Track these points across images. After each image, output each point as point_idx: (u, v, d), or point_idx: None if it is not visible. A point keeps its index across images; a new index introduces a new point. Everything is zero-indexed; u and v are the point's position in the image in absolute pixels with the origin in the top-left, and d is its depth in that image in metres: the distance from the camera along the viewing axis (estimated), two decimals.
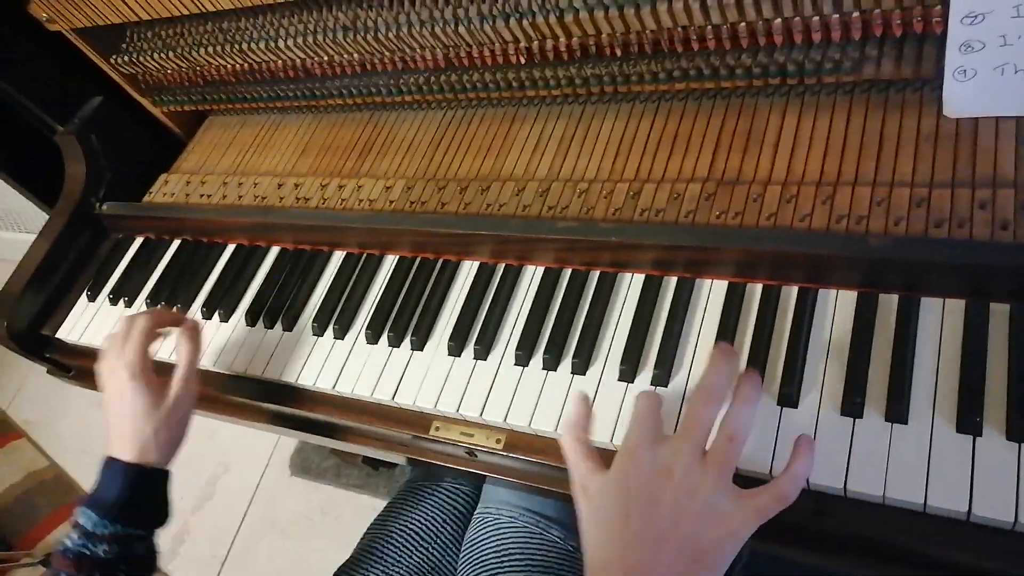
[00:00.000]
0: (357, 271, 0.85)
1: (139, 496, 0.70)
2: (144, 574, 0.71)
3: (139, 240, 1.04)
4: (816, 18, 0.63)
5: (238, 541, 1.77)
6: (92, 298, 1.00)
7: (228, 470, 1.87)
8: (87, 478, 2.00)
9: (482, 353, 0.73)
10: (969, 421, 0.54)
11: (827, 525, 0.57)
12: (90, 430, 2.13)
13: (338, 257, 0.88)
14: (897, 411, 0.56)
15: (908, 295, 0.60)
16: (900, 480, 0.54)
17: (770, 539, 0.57)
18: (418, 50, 0.82)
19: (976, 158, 0.64)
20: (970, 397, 0.54)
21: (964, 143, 0.65)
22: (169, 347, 0.86)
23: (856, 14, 0.62)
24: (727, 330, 0.65)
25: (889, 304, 0.61)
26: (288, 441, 1.83)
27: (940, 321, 0.59)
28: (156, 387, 0.74)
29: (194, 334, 0.78)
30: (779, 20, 0.64)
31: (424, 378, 0.74)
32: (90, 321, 0.99)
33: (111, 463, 0.71)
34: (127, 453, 0.71)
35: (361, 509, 1.71)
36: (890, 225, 0.63)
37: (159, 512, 0.73)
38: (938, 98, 0.64)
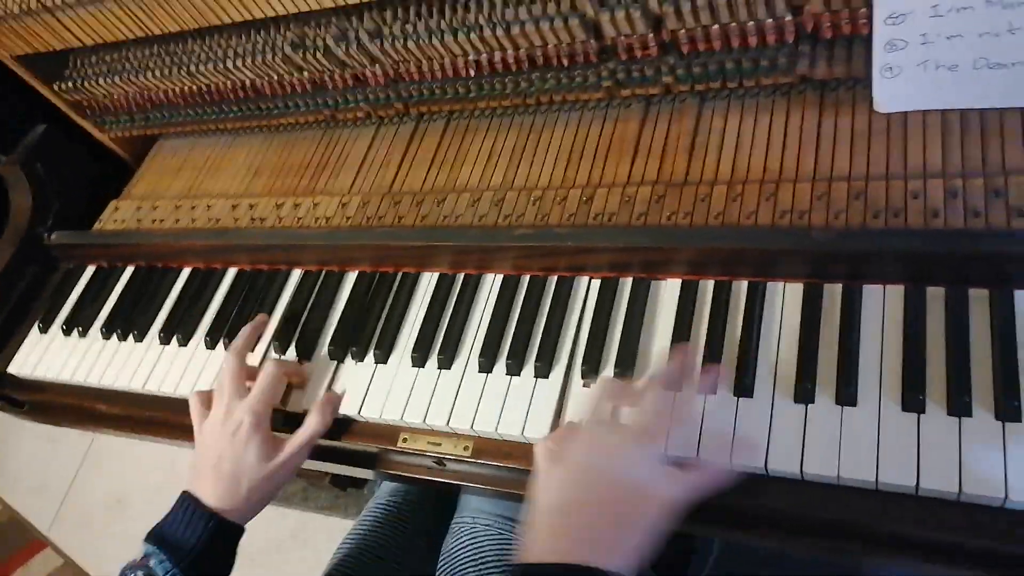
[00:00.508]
0: (317, 288, 0.85)
1: (215, 550, 0.67)
2: None
3: (91, 269, 1.02)
4: (751, 23, 0.66)
5: None
6: (44, 330, 0.98)
7: None
8: (41, 519, 1.92)
9: (446, 363, 0.74)
10: (913, 399, 0.56)
11: (782, 506, 0.59)
12: (42, 468, 2.07)
13: (297, 275, 0.88)
14: (847, 394, 0.58)
15: (851, 284, 0.63)
16: (853, 460, 0.56)
17: (725, 526, 0.60)
18: (368, 65, 0.83)
19: (907, 151, 0.68)
20: (913, 377, 0.57)
21: (896, 137, 0.69)
22: None
23: (789, 18, 0.64)
24: (683, 327, 0.67)
25: (834, 293, 0.64)
26: None
27: (882, 306, 0.62)
28: (271, 444, 0.71)
29: (329, 407, 0.74)
30: (716, 26, 0.66)
31: (390, 390, 0.74)
32: (43, 354, 0.96)
33: (195, 504, 0.68)
34: (213, 498, 0.68)
35: (331, 531, 1.69)
36: (831, 218, 0.66)
37: (227, 567, 0.70)
38: (870, 95, 0.67)
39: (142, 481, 1.85)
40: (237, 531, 0.70)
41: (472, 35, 0.74)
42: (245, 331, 0.79)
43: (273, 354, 0.82)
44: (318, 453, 0.79)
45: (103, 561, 1.83)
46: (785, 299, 0.65)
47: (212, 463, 0.70)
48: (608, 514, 0.53)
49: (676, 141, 0.78)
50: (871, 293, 0.63)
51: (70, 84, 0.98)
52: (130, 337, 0.92)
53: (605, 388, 0.61)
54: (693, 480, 0.55)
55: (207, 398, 0.75)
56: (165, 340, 0.89)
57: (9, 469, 2.11)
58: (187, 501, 0.69)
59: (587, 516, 0.53)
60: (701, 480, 0.55)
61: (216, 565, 0.69)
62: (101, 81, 0.96)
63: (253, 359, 0.81)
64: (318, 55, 0.82)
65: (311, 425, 0.72)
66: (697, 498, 0.54)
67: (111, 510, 1.90)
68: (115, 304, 0.96)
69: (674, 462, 0.56)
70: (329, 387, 0.77)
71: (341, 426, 0.76)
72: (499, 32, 0.73)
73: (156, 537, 0.67)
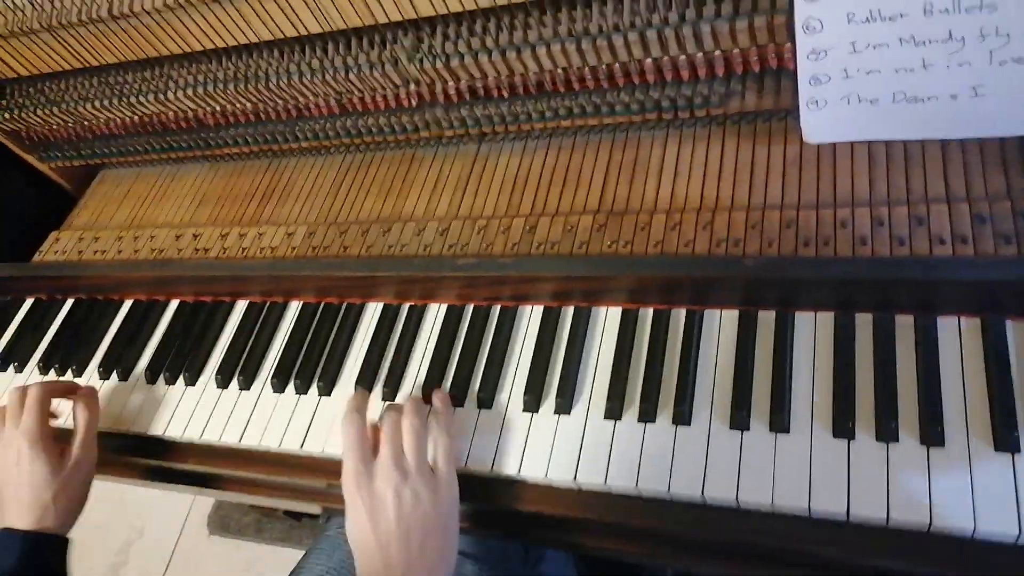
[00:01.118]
0: (260, 320, 0.84)
1: (35, 565, 0.67)
2: None
3: (29, 301, 1.00)
4: (682, 57, 0.67)
5: None
6: None
7: (142, 535, 1.78)
8: None
9: (389, 395, 0.73)
10: (843, 427, 0.57)
11: (718, 535, 0.59)
12: None
13: (241, 307, 0.87)
14: (780, 422, 0.59)
15: (783, 311, 0.65)
16: (786, 488, 0.57)
17: (671, 555, 0.60)
18: (311, 97, 0.83)
19: (836, 180, 0.70)
20: (843, 404, 0.58)
21: (825, 166, 0.71)
22: (66, 412, 0.83)
23: (717, 52, 0.66)
24: (623, 355, 0.67)
25: (768, 320, 0.65)
26: (205, 499, 1.76)
27: (813, 334, 0.63)
28: (55, 454, 0.72)
29: (91, 399, 0.77)
30: (649, 60, 0.68)
31: (333, 423, 0.74)
32: None
33: (4, 533, 0.68)
34: (24, 521, 0.69)
35: (285, 563, 1.62)
36: (764, 246, 0.67)
37: None
38: (799, 126, 0.69)
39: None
40: (57, 541, 0.70)
41: (412, 66, 0.74)
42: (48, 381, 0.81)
43: (214, 387, 0.81)
44: (260, 487, 0.78)
45: None
46: (722, 326, 0.67)
47: (11, 494, 0.71)
48: (414, 538, 0.59)
49: (617, 171, 0.79)
50: (803, 320, 0.64)
51: (7, 114, 0.96)
52: (69, 372, 0.89)
53: (357, 429, 0.64)
54: (444, 454, 0.63)
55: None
56: (105, 375, 0.87)
57: None
58: (1, 533, 0.69)
59: (398, 547, 0.58)
60: (446, 446, 0.63)
61: None
62: (39, 111, 0.94)
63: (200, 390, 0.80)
64: (259, 86, 0.82)
65: (81, 419, 0.75)
66: (455, 458, 0.64)
67: None
68: (54, 337, 0.94)
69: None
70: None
71: (284, 461, 0.75)
72: (438, 64, 0.73)
73: None
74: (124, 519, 1.78)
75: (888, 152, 0.69)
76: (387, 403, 0.72)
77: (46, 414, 0.75)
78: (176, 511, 1.78)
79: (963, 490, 0.53)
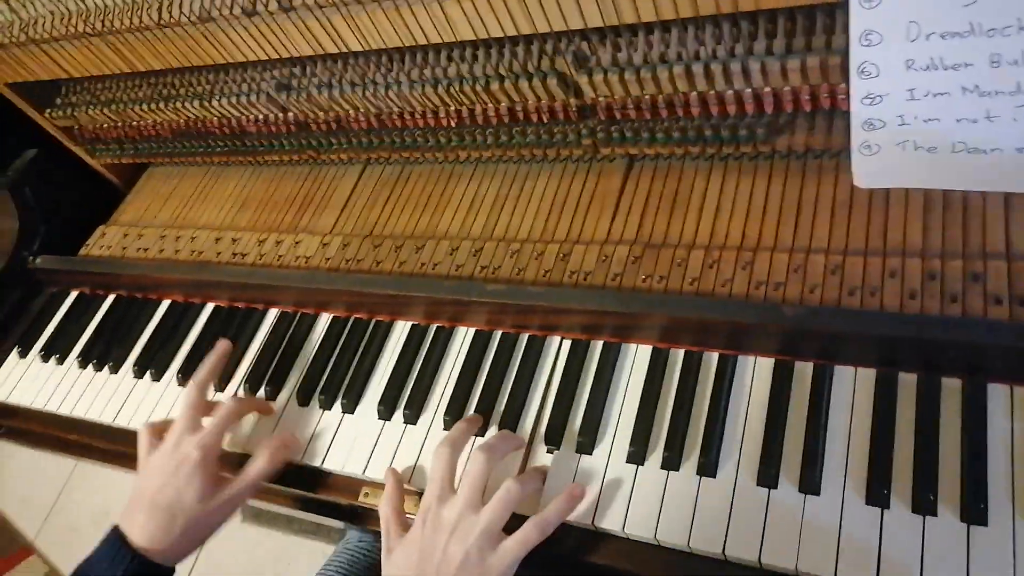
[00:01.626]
0: (291, 331, 0.84)
1: None
2: None
3: (73, 294, 1.02)
4: (729, 92, 0.64)
5: None
6: (23, 354, 0.98)
7: None
8: (29, 526, 1.93)
9: (411, 418, 0.72)
10: (878, 494, 0.54)
11: None
12: (32, 478, 2.07)
13: (272, 315, 0.87)
14: (810, 482, 0.57)
15: (822, 363, 0.62)
16: (812, 553, 0.54)
17: None
18: (350, 111, 0.82)
19: (887, 227, 0.66)
20: (879, 469, 0.55)
21: (877, 211, 0.67)
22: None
23: (767, 89, 0.63)
24: (650, 396, 0.65)
25: (804, 372, 0.62)
26: None
27: (852, 390, 0.60)
28: (214, 482, 0.68)
29: (280, 450, 0.71)
30: (694, 93, 0.65)
31: (354, 442, 0.73)
32: (20, 378, 0.96)
33: (120, 541, 0.65)
34: (143, 533, 0.65)
35: (313, 556, 1.67)
36: (806, 292, 0.64)
37: None
38: (851, 166, 0.65)
39: (128, 496, 1.84)
40: (163, 572, 0.66)
41: (452, 88, 0.73)
42: (208, 360, 0.77)
43: (242, 394, 0.81)
44: (282, 497, 0.78)
45: None
46: (755, 374, 0.64)
47: (150, 496, 0.66)
48: None
49: (657, 201, 0.77)
50: (842, 375, 0.61)
51: (60, 112, 0.98)
52: (105, 368, 0.91)
53: (445, 464, 0.62)
54: (520, 543, 0.58)
55: (159, 431, 0.73)
56: (139, 374, 0.88)
57: (2, 478, 2.11)
58: (114, 537, 0.66)
59: None
60: (527, 541, 0.58)
61: None
62: (90, 111, 0.96)
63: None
64: (300, 97, 0.81)
65: (257, 467, 0.70)
66: (529, 549, 0.58)
67: (97, 522, 1.90)
68: (93, 333, 0.96)
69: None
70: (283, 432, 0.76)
71: (303, 475, 0.75)
72: (478, 87, 0.72)
73: (79, 573, 0.64)
74: None
75: (946, 201, 0.65)
76: (496, 435, 0.67)
77: (227, 432, 0.71)
78: None
79: (1006, 574, 0.50)
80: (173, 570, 0.67)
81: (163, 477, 0.67)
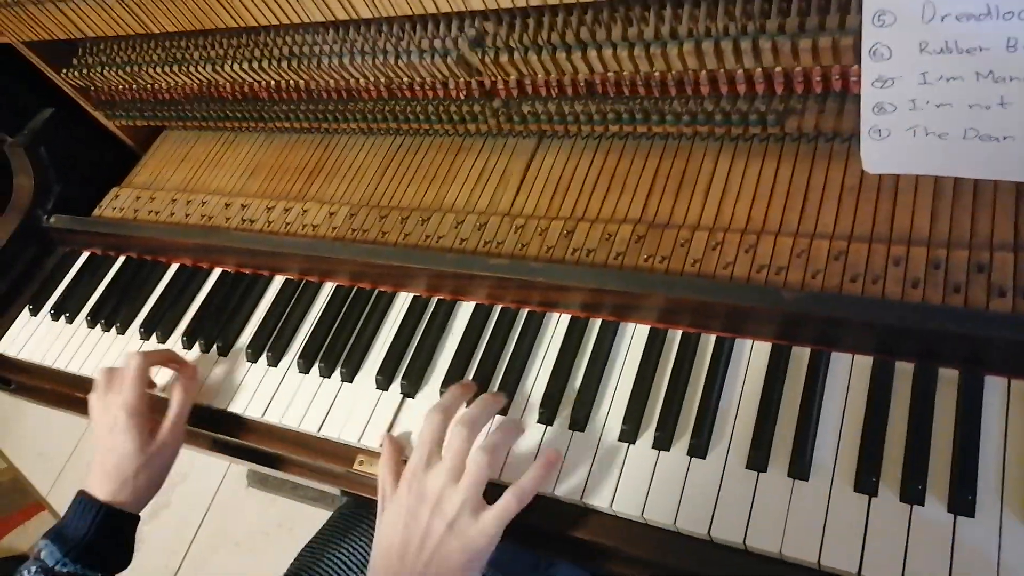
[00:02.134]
0: (295, 298, 0.85)
1: (105, 539, 0.70)
2: None
3: (85, 255, 1.03)
4: (740, 71, 0.63)
5: (192, 552, 1.76)
6: (34, 312, 1.00)
7: (185, 480, 1.85)
8: (43, 481, 1.97)
9: (409, 389, 0.73)
10: (866, 481, 0.54)
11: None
12: (47, 433, 2.11)
13: (278, 282, 0.88)
14: (799, 467, 0.56)
15: (819, 349, 0.61)
16: (797, 537, 0.54)
17: None
18: (361, 80, 0.82)
19: (894, 214, 0.65)
20: (869, 457, 0.55)
21: (885, 197, 0.66)
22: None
23: (778, 69, 0.62)
24: (645, 376, 0.65)
25: (801, 357, 0.62)
26: None
27: (848, 378, 0.60)
28: (146, 430, 0.74)
29: (190, 381, 0.79)
30: (704, 71, 0.64)
31: (352, 411, 0.74)
32: (31, 336, 0.98)
33: (85, 499, 0.71)
34: (103, 491, 0.71)
35: (316, 522, 1.67)
36: (808, 278, 0.64)
37: (121, 557, 0.72)
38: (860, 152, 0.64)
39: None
40: (129, 518, 0.72)
41: (462, 59, 0.73)
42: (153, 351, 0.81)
43: (244, 360, 0.82)
44: (274, 463, 0.79)
45: None
46: (752, 358, 0.64)
47: (99, 460, 0.73)
48: (435, 564, 0.57)
49: (664, 181, 0.76)
50: (839, 361, 0.60)
51: (76, 73, 0.99)
52: (113, 329, 0.92)
53: (435, 429, 0.63)
54: (501, 512, 0.58)
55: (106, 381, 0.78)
56: (145, 335, 0.90)
57: (16, 433, 2.16)
58: (79, 497, 0.72)
59: (414, 570, 0.57)
60: (507, 509, 0.59)
61: (109, 552, 0.70)
62: (106, 72, 0.97)
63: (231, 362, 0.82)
64: (311, 65, 0.81)
65: (177, 399, 0.76)
66: (510, 518, 0.59)
67: None
68: (103, 293, 0.97)
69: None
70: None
71: (300, 441, 0.76)
72: (487, 59, 0.71)
73: (50, 532, 0.70)
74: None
75: (956, 189, 0.64)
76: (479, 400, 0.66)
77: (145, 386, 0.76)
78: (218, 461, 1.84)
79: (989, 567, 0.50)
80: (138, 517, 0.73)
81: (103, 441, 0.74)
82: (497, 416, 0.68)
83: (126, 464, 0.72)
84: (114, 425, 0.73)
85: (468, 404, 0.67)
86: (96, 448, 0.74)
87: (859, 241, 0.64)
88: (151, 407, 0.75)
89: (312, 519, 1.74)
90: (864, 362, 0.60)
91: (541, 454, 0.63)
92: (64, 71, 1.01)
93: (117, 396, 0.74)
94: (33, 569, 0.67)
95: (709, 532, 0.56)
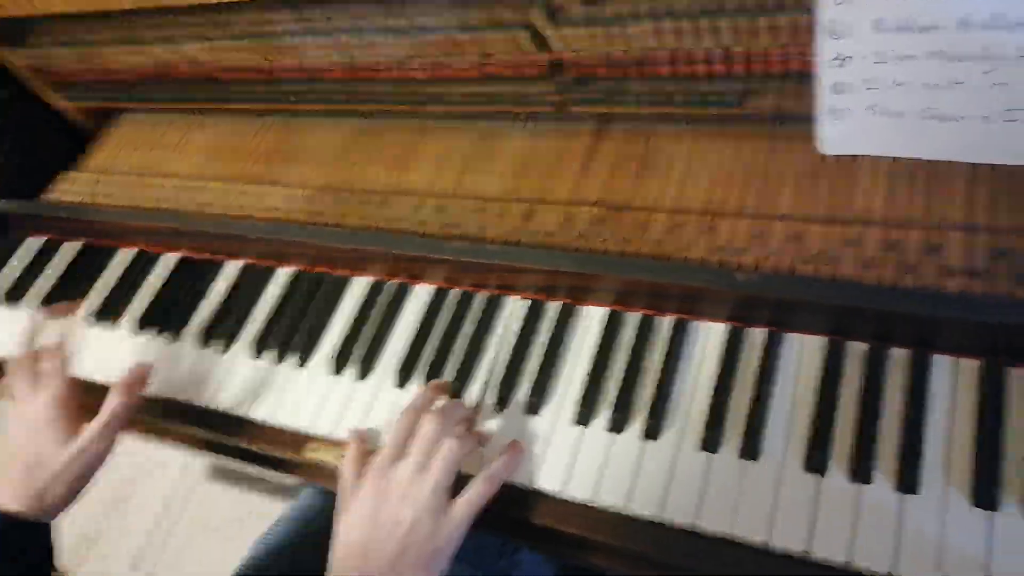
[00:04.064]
0: (251, 282, 0.83)
1: (9, 551, 0.62)
2: None
3: (37, 240, 1.00)
4: (699, 51, 0.63)
5: (150, 545, 1.72)
6: None
7: (143, 472, 1.82)
8: None
9: (363, 373, 0.72)
10: (816, 460, 0.54)
11: (684, 560, 0.56)
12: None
13: (234, 267, 0.86)
14: (751, 448, 0.56)
15: (773, 330, 0.61)
16: (748, 518, 0.54)
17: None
18: (320, 60, 0.81)
19: (851, 195, 0.65)
20: (820, 437, 0.55)
21: (842, 179, 0.66)
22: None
23: (737, 49, 0.62)
24: (601, 359, 0.65)
25: (755, 339, 0.61)
26: None
27: (800, 358, 0.59)
28: (70, 425, 0.66)
29: (134, 383, 0.70)
30: (664, 51, 0.64)
31: (304, 397, 0.73)
32: None
33: None
34: (7, 497, 0.63)
35: (276, 515, 1.67)
36: (763, 259, 0.63)
37: (34, 567, 0.64)
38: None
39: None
40: (35, 529, 0.64)
41: (420, 39, 0.72)
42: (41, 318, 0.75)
43: (197, 346, 0.80)
44: (226, 450, 0.78)
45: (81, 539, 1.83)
46: (707, 340, 0.63)
47: (5, 459, 0.65)
48: (399, 562, 0.55)
49: (625, 163, 0.76)
50: (792, 342, 0.60)
51: (28, 52, 0.96)
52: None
53: (404, 428, 0.61)
54: (468, 505, 0.58)
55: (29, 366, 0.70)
56: (97, 321, 0.87)
57: None
58: None
59: (380, 562, 0.55)
60: (473, 502, 0.58)
61: (17, 568, 0.63)
62: (59, 50, 0.94)
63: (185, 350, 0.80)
64: (269, 44, 0.80)
65: (109, 405, 0.67)
66: (479, 508, 0.58)
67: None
68: (56, 280, 0.95)
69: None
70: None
71: (250, 428, 0.74)
72: (447, 38, 0.70)
73: None
74: (129, 455, 1.82)
75: (911, 171, 0.64)
76: (448, 401, 0.66)
77: (74, 380, 0.69)
78: (178, 454, 1.81)
79: (932, 542, 0.50)
80: (48, 527, 0.66)
81: (16, 440, 0.66)
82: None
83: (39, 471, 0.63)
84: (33, 420, 0.65)
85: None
86: (3, 447, 0.66)
87: (815, 223, 0.64)
88: (81, 403, 0.68)
89: (273, 511, 1.71)
90: (817, 343, 0.59)
91: (509, 443, 0.62)
92: (15, 50, 0.98)
93: (40, 386, 0.67)
94: None
95: (662, 514, 0.56)
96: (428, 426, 0.60)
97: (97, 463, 0.67)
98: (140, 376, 0.72)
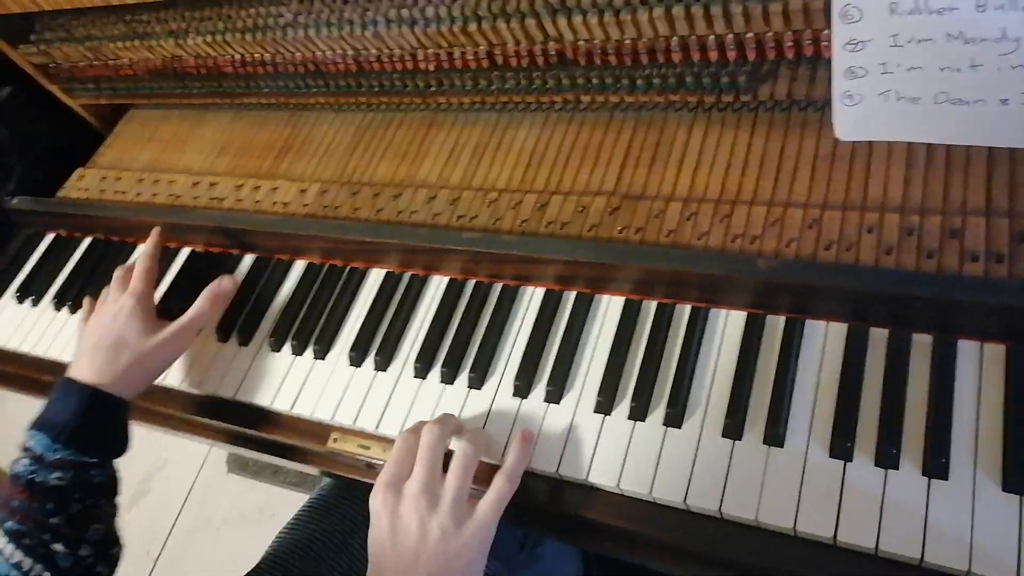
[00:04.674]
0: (266, 276, 0.83)
1: (94, 421, 0.66)
2: (102, 503, 0.67)
3: (50, 236, 1.01)
4: (711, 37, 0.62)
5: (172, 538, 1.74)
6: None
7: (165, 466, 1.84)
8: None
9: (382, 365, 0.72)
10: (841, 447, 0.54)
11: (706, 547, 0.57)
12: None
13: (248, 261, 0.86)
14: (775, 435, 0.56)
15: (794, 317, 0.61)
16: (773, 504, 0.54)
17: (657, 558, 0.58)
18: (328, 52, 0.80)
19: (868, 181, 0.65)
20: (844, 423, 0.55)
21: (858, 165, 0.66)
22: None
23: (749, 35, 0.61)
24: (620, 347, 0.65)
25: (776, 326, 0.61)
26: None
27: (823, 345, 0.59)
28: (153, 321, 0.72)
29: (219, 297, 0.77)
30: (676, 38, 0.63)
31: (324, 389, 0.73)
32: None
33: (67, 383, 0.67)
34: (89, 372, 0.67)
35: (297, 507, 1.68)
36: (782, 246, 0.63)
37: (117, 440, 0.68)
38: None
39: None
40: (118, 402, 0.68)
41: (429, 29, 0.71)
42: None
43: (215, 340, 0.80)
44: (248, 441, 0.78)
45: None
46: (727, 327, 0.63)
47: (92, 343, 0.70)
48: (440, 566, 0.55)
49: (637, 153, 0.75)
50: (813, 329, 0.60)
51: (34, 48, 0.96)
52: (80, 311, 0.90)
53: (408, 446, 0.60)
54: (489, 509, 0.57)
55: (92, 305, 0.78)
56: None
57: None
58: (64, 382, 0.67)
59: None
60: (495, 506, 0.58)
61: (101, 437, 0.67)
62: (64, 47, 0.94)
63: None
64: (276, 36, 0.79)
65: (196, 308, 0.74)
66: (502, 508, 0.58)
67: None
68: (69, 275, 0.95)
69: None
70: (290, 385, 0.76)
71: (273, 420, 0.75)
72: (455, 28, 0.70)
73: (35, 422, 0.65)
74: (150, 449, 1.84)
75: (928, 156, 0.63)
76: (443, 414, 0.65)
77: (155, 282, 0.76)
78: (199, 447, 1.83)
79: (962, 528, 0.50)
80: (127, 403, 0.69)
81: (102, 327, 0.71)
82: None
83: (123, 346, 0.69)
84: (118, 312, 0.71)
85: None
86: (86, 335, 0.71)
87: (832, 209, 0.64)
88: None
89: (293, 503, 1.73)
90: (839, 329, 0.59)
91: (516, 434, 0.62)
92: (21, 47, 0.97)
93: (120, 292, 0.74)
94: (26, 461, 0.63)
95: (685, 500, 0.56)
96: (433, 435, 0.59)
97: (172, 358, 0.74)
98: (227, 289, 0.78)
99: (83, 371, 0.68)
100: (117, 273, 0.79)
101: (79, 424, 0.64)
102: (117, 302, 0.73)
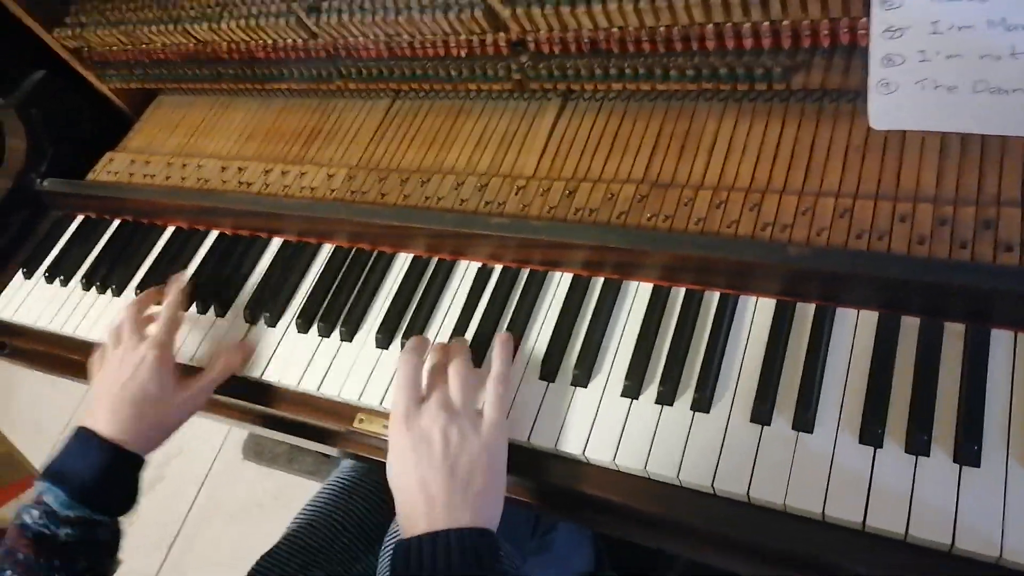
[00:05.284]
0: (293, 259, 0.84)
1: (114, 479, 0.65)
2: (106, 560, 0.66)
3: (79, 218, 1.02)
4: (746, 24, 0.63)
5: (187, 525, 1.76)
6: (28, 275, 0.99)
7: (180, 452, 1.85)
8: (38, 455, 1.95)
9: None
10: (871, 433, 0.54)
11: (732, 532, 0.57)
12: (42, 408, 2.10)
13: (276, 244, 0.87)
14: (804, 420, 0.56)
15: (824, 305, 0.61)
16: (801, 489, 0.54)
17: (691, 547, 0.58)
18: (360, 37, 0.81)
19: (901, 171, 0.65)
20: (874, 409, 0.55)
21: (891, 155, 0.66)
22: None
23: (785, 22, 0.61)
24: (648, 332, 0.65)
25: (806, 313, 0.61)
26: None
27: (853, 332, 0.59)
28: (175, 378, 0.70)
29: (239, 353, 0.76)
30: (711, 25, 0.64)
31: (351, 370, 0.73)
32: (25, 299, 0.97)
33: (87, 436, 0.65)
34: (110, 427, 0.65)
35: (311, 494, 1.69)
36: (813, 235, 0.63)
37: (130, 499, 0.68)
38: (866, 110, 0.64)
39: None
40: (135, 460, 0.67)
41: (463, 14, 0.72)
42: (150, 290, 0.81)
43: (242, 321, 0.81)
44: (274, 422, 0.79)
45: None
46: (756, 314, 0.63)
47: (113, 392, 0.68)
48: (454, 479, 0.57)
49: (667, 141, 0.76)
50: (844, 317, 0.60)
51: (69, 32, 0.97)
52: (108, 291, 0.91)
53: (413, 368, 0.63)
54: (495, 402, 0.61)
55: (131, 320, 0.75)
56: None
57: (12, 407, 2.15)
58: (82, 434, 0.66)
59: (439, 486, 0.56)
60: (499, 396, 0.61)
61: (115, 495, 0.66)
62: (98, 31, 0.95)
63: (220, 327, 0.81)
64: (308, 22, 0.80)
65: (219, 366, 0.74)
66: (506, 406, 0.62)
67: None
68: (98, 256, 0.96)
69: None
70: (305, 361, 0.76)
71: (299, 400, 0.75)
72: (477, 13, 0.70)
73: (50, 473, 0.64)
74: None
75: (963, 146, 0.63)
76: (437, 343, 0.69)
77: (175, 330, 0.74)
78: (214, 434, 1.84)
79: (994, 515, 0.50)
80: (143, 459, 0.68)
81: (123, 376, 0.69)
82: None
83: (145, 402, 0.67)
84: (140, 363, 0.68)
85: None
86: (105, 382, 0.69)
87: (865, 198, 0.64)
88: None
89: (308, 491, 1.74)
90: (870, 317, 0.59)
91: (496, 338, 0.67)
92: (56, 31, 0.99)
93: (138, 338, 0.71)
94: (36, 514, 0.62)
95: (713, 485, 0.56)
96: (433, 365, 0.64)
97: (190, 413, 0.72)
98: (246, 349, 0.77)
99: (104, 424, 0.66)
100: (130, 311, 0.74)
101: (99, 481, 0.63)
102: (137, 350, 0.70)
